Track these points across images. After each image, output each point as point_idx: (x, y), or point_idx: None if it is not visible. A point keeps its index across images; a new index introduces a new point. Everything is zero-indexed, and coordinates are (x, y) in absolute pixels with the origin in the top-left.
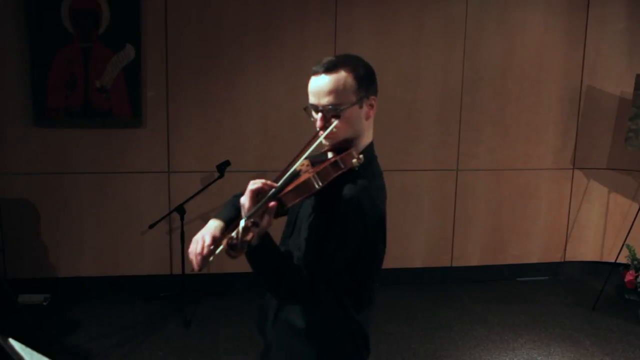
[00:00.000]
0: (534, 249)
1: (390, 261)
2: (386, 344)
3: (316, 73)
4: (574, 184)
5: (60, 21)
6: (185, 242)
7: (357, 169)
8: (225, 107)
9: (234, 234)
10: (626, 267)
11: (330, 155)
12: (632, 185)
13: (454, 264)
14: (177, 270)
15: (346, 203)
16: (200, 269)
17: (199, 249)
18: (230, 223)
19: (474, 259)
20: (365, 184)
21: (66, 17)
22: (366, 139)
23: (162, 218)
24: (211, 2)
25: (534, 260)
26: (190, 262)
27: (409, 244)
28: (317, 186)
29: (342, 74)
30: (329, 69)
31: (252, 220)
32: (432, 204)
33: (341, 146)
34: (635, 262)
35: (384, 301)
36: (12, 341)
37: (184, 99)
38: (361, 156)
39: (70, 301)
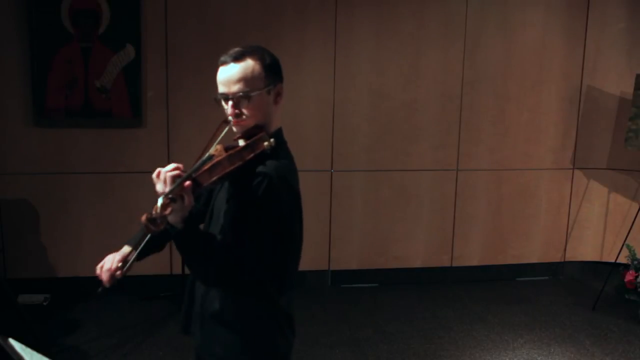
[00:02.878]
0: (534, 249)
1: (390, 261)
2: (386, 344)
3: (224, 63)
4: (574, 184)
5: (60, 21)
6: None
7: (268, 151)
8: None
9: (153, 210)
10: (626, 267)
11: (241, 142)
12: (632, 185)
13: (454, 264)
14: (177, 270)
15: (259, 183)
16: (110, 285)
17: (107, 266)
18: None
19: (474, 259)
20: (276, 164)
21: (66, 17)
22: (275, 124)
23: None
24: (211, 2)
25: (534, 260)
26: (99, 277)
27: (409, 244)
28: (230, 167)
29: (249, 62)
30: (237, 58)
31: (169, 196)
32: (432, 204)
33: (251, 132)
34: (635, 262)
35: (384, 301)
36: (12, 341)
37: (184, 98)
38: (272, 140)
39: (70, 301)
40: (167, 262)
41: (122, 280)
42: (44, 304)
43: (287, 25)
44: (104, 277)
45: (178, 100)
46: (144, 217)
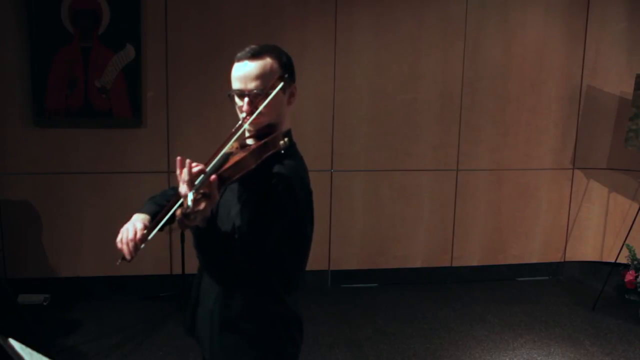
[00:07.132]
0: (534, 249)
1: (390, 261)
2: (386, 344)
3: (241, 59)
4: (574, 184)
5: (60, 21)
6: (185, 243)
7: (283, 151)
8: (225, 107)
9: (185, 205)
10: (626, 267)
11: (250, 142)
12: (632, 185)
13: (454, 264)
14: (177, 270)
15: (277, 181)
16: (131, 257)
17: (131, 236)
18: (155, 217)
19: (474, 259)
20: (293, 163)
21: (66, 17)
22: (286, 125)
23: None
24: (211, 2)
25: (534, 260)
26: (120, 250)
27: (409, 244)
28: (253, 164)
29: (267, 60)
30: (255, 55)
31: (201, 191)
32: (432, 204)
33: (264, 132)
34: (635, 262)
35: (384, 301)
36: (12, 341)
37: (184, 99)
38: (286, 139)
39: (70, 301)
40: (167, 262)
41: (122, 280)
42: (44, 304)
43: (287, 26)
44: (127, 248)
45: (178, 100)
46: (179, 212)
